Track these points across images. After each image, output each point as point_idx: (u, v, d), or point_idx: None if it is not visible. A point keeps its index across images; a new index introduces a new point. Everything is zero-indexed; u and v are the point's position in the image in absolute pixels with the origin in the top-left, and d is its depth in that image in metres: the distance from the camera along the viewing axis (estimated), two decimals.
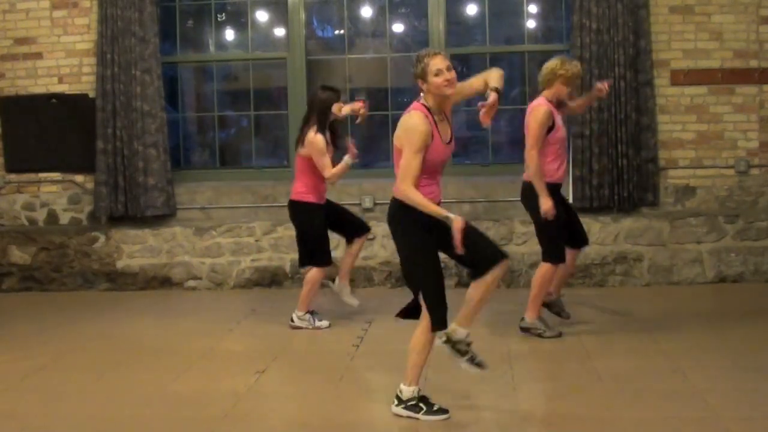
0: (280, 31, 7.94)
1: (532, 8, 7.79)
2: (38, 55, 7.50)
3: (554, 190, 5.41)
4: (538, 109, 5.33)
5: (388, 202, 4.22)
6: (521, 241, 7.00)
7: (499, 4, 7.61)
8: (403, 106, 4.61)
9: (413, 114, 4.06)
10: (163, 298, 7.15)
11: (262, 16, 8.00)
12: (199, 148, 8.31)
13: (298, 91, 7.39)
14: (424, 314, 4.11)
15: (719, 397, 4.33)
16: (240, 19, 7.98)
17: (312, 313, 5.99)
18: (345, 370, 5.05)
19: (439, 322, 4.09)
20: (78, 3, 7.43)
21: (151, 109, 7.27)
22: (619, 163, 6.92)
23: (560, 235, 5.47)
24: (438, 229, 4.01)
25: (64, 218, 7.59)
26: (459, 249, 3.91)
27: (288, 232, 7.13)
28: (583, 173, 6.97)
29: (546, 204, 5.28)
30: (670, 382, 4.62)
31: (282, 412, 4.50)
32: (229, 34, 8.25)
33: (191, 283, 7.37)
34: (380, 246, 7.13)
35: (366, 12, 7.94)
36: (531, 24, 7.81)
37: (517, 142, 6.66)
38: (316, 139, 5.67)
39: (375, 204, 7.18)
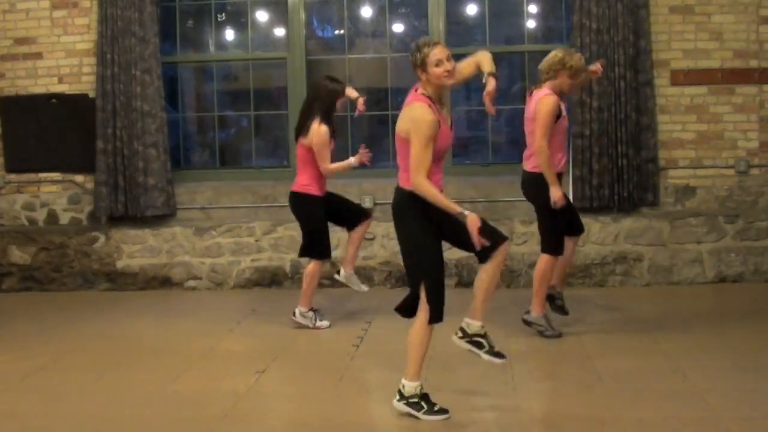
0: (280, 31, 7.94)
1: (532, 8, 7.79)
2: (38, 55, 7.50)
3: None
4: (546, 98, 5.33)
5: (389, 202, 4.22)
6: (521, 241, 7.00)
7: (499, 4, 7.60)
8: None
9: (417, 105, 4.05)
10: (163, 298, 7.14)
11: (262, 16, 8.00)
12: (199, 148, 8.31)
13: (298, 91, 7.38)
14: (422, 308, 4.10)
15: (719, 397, 4.33)
16: (240, 19, 7.98)
17: (315, 311, 5.99)
18: (345, 370, 5.05)
19: (437, 315, 4.10)
20: (78, 3, 7.43)
21: (151, 109, 7.27)
22: (619, 163, 6.92)
23: (562, 226, 5.49)
24: (442, 219, 4.01)
25: (64, 218, 7.59)
26: (477, 246, 3.92)
27: (288, 232, 7.14)
28: (583, 173, 6.97)
29: (556, 194, 5.32)
30: (670, 382, 4.62)
31: (282, 412, 4.51)
32: (229, 34, 8.25)
33: (191, 283, 7.36)
34: (380, 246, 7.12)
35: (366, 12, 7.94)
36: (531, 24, 7.80)
37: (517, 142, 6.66)
38: (320, 129, 5.67)
39: (375, 204, 7.17)
